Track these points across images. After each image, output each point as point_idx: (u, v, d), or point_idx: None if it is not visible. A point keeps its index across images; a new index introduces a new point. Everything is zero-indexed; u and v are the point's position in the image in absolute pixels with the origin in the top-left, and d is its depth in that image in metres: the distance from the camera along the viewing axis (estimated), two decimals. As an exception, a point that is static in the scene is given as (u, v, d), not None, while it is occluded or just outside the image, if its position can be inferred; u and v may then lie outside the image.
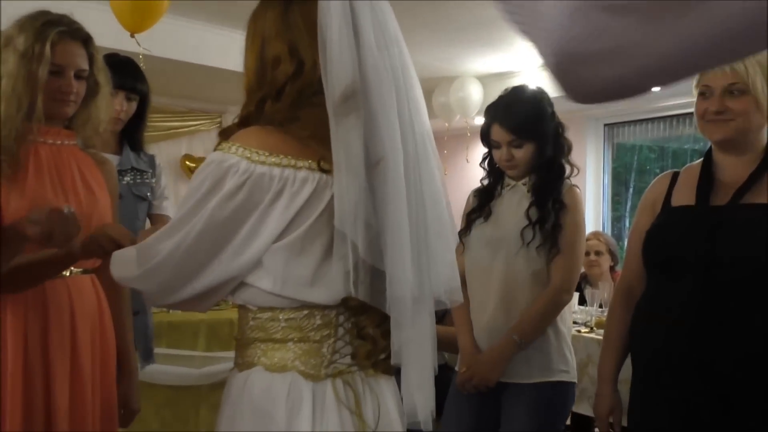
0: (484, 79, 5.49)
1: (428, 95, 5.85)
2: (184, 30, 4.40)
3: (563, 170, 2.01)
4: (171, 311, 3.06)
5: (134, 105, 2.24)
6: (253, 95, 1.13)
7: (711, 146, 1.66)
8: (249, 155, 1.05)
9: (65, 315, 1.49)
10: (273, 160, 1.05)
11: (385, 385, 1.17)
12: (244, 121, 1.12)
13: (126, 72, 2.21)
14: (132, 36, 3.25)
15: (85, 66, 1.55)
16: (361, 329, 1.12)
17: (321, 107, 1.04)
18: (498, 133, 2.01)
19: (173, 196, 2.66)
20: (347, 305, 1.11)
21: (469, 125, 5.58)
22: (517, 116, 1.99)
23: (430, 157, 1.13)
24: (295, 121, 1.08)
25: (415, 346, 1.09)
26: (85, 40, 1.56)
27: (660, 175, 1.78)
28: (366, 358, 1.13)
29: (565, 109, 2.07)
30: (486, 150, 2.11)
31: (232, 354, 1.20)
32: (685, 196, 1.63)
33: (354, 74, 1.02)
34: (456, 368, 2.10)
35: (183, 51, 4.44)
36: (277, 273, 1.07)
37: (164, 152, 5.51)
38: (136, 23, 3.23)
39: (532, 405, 1.93)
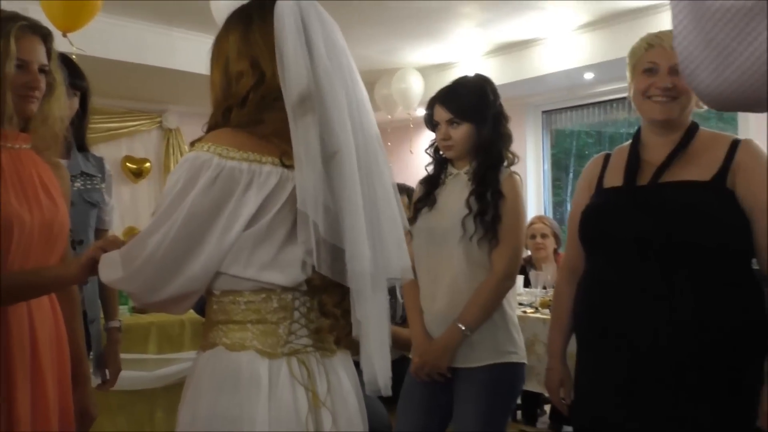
0: (425, 71, 5.56)
1: (370, 88, 5.88)
2: (121, 29, 4.32)
3: (502, 158, 2.07)
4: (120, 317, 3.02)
5: (76, 101, 2.16)
6: (220, 106, 1.24)
7: (639, 127, 1.73)
8: (220, 152, 1.15)
9: (24, 322, 1.45)
10: (241, 155, 1.16)
11: (340, 365, 1.27)
12: (211, 129, 1.23)
13: (63, 68, 2.15)
14: (64, 36, 3.17)
15: (46, 61, 1.51)
16: (323, 306, 1.23)
17: (281, 110, 1.16)
18: (438, 112, 2.08)
19: (116, 201, 2.60)
20: (309, 286, 1.21)
21: (412, 117, 5.65)
22: (457, 97, 2.06)
23: (378, 152, 1.25)
24: (259, 123, 1.19)
25: (374, 319, 1.19)
26: (45, 35, 1.52)
27: (594, 157, 1.85)
28: (329, 333, 1.24)
29: (504, 97, 2.14)
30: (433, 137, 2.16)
31: (184, 355, 1.29)
32: (615, 176, 1.70)
33: (308, 80, 1.14)
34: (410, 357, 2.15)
35: (119, 50, 4.35)
36: (243, 258, 1.16)
37: (103, 154, 5.36)
38: (68, 23, 3.16)
39: (483, 387, 1.99)
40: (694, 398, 1.50)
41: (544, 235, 3.79)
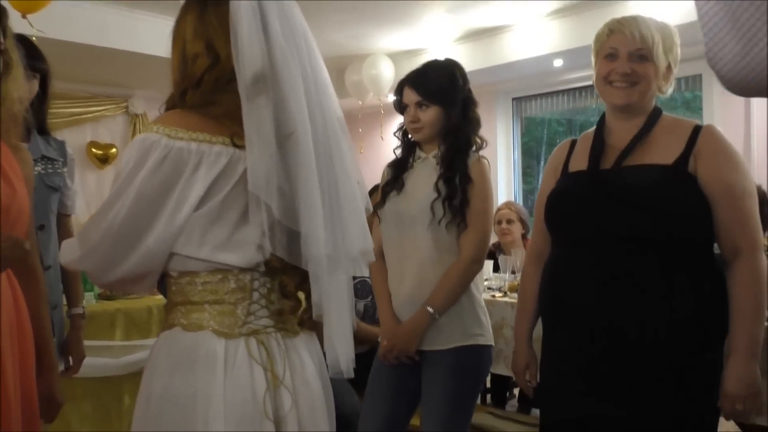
0: (396, 57, 5.54)
1: (341, 74, 5.85)
2: (82, 11, 4.22)
3: (470, 143, 2.07)
4: (86, 304, 2.98)
5: (36, 84, 2.11)
6: (178, 87, 1.25)
7: (604, 113, 1.75)
8: (168, 132, 1.16)
9: None
10: (190, 135, 1.16)
11: (303, 346, 1.27)
12: (168, 110, 1.24)
13: (22, 49, 2.10)
14: (24, 17, 3.09)
15: (2, 39, 1.47)
16: (284, 288, 1.24)
17: (235, 92, 1.16)
18: (407, 94, 2.08)
19: (80, 187, 2.55)
20: (268, 267, 1.22)
21: (383, 103, 5.63)
22: (426, 79, 2.07)
23: (339, 135, 1.25)
24: (212, 104, 1.19)
25: (335, 301, 1.20)
26: None
27: (560, 143, 1.87)
28: (291, 314, 1.25)
29: (474, 83, 2.15)
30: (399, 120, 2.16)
31: (151, 342, 1.28)
32: (580, 161, 1.72)
33: (263, 61, 1.14)
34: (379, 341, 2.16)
35: (81, 33, 4.25)
36: (196, 238, 1.17)
37: (68, 140, 5.26)
38: (27, 3, 3.08)
39: (450, 369, 2.00)
40: (656, 381, 1.53)
41: (510, 221, 3.82)
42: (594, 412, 1.59)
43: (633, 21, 1.63)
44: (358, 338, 2.66)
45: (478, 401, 3.56)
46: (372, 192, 3.38)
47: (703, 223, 1.56)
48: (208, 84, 1.20)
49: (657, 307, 1.52)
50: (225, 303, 1.19)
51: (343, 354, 1.21)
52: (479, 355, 2.05)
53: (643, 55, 1.61)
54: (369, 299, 2.81)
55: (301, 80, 1.17)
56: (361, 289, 2.72)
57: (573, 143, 1.81)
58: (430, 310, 1.99)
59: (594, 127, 1.76)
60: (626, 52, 1.62)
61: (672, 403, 1.52)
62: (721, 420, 1.63)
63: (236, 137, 1.17)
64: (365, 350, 2.83)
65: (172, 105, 1.24)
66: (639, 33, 1.60)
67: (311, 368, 1.27)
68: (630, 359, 1.54)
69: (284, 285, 1.24)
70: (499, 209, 3.95)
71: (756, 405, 1.54)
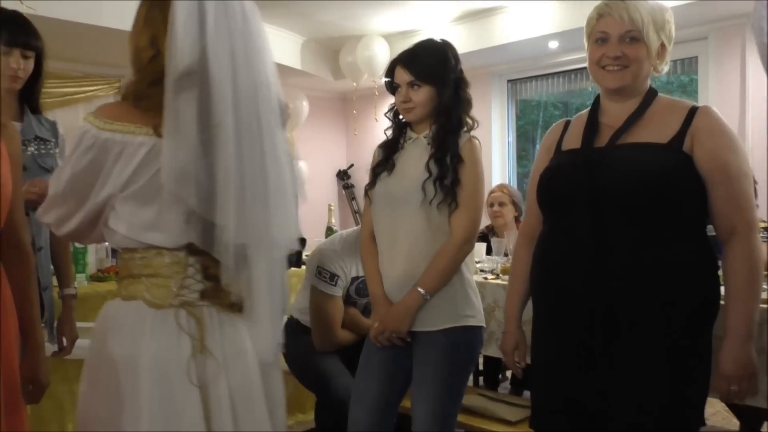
0: (390, 38, 5.50)
1: (335, 55, 5.82)
2: (75, -11, 4.16)
3: (462, 123, 2.06)
4: (78, 285, 2.97)
5: (31, 63, 2.08)
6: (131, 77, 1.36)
7: (599, 94, 1.74)
8: (98, 124, 1.28)
9: None
10: (116, 127, 1.28)
11: (242, 323, 1.35)
12: (122, 97, 1.35)
13: (16, 27, 2.05)
14: (15, -5, 3.05)
15: None
16: (206, 269, 1.32)
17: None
18: (399, 74, 2.06)
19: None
20: (192, 249, 1.31)
21: (377, 84, 5.60)
22: (418, 58, 2.05)
23: (273, 132, 1.32)
24: (145, 98, 1.29)
25: (256, 287, 1.29)
26: None
27: (555, 124, 1.87)
28: (215, 297, 1.33)
29: (469, 65, 2.13)
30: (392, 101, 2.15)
31: None
32: (573, 140, 1.72)
33: (193, 58, 1.22)
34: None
35: (75, 12, 4.19)
36: (125, 219, 1.31)
37: (60, 120, 5.22)
38: (18, -19, 3.04)
39: (441, 350, 2.00)
40: (647, 359, 1.53)
41: (501, 204, 3.81)
42: (585, 391, 1.60)
43: (621, 3, 1.62)
44: (359, 331, 2.72)
45: (471, 383, 3.58)
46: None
47: (696, 201, 1.56)
48: (145, 78, 1.30)
49: (647, 283, 1.52)
50: (160, 276, 1.30)
51: (265, 339, 1.33)
52: (470, 336, 2.05)
53: (633, 36, 1.60)
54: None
55: (230, 79, 1.25)
56: (364, 288, 2.73)
57: (567, 123, 1.81)
58: (422, 291, 1.99)
59: (589, 108, 1.75)
60: (616, 35, 1.61)
61: (662, 383, 1.53)
62: (710, 400, 1.65)
63: (160, 128, 1.26)
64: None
65: (123, 94, 1.34)
66: (628, 15, 1.59)
67: (248, 343, 1.33)
68: (621, 337, 1.54)
69: (206, 267, 1.32)
70: (491, 192, 3.95)
71: (752, 386, 1.55)
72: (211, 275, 1.31)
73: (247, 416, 1.31)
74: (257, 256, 1.28)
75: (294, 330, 2.79)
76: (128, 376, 1.24)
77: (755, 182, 2.90)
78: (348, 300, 2.72)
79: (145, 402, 1.22)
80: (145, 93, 1.28)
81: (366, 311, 2.74)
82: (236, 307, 1.34)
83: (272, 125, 1.32)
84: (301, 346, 2.75)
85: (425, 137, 2.07)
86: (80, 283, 2.97)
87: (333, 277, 2.61)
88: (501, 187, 3.98)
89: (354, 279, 2.68)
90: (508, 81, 5.81)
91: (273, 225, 1.30)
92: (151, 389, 1.23)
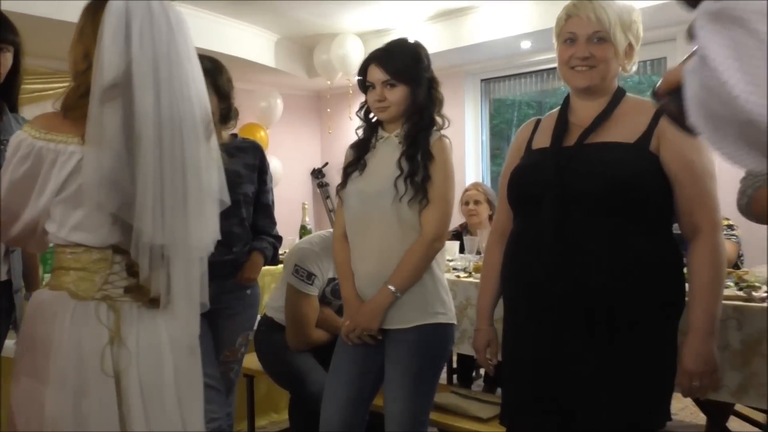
0: (364, 36, 5.50)
1: (309, 53, 5.80)
2: (43, -16, 4.09)
3: (433, 122, 2.07)
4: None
5: (10, 57, 2.03)
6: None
7: (569, 93, 1.76)
8: (33, 133, 1.38)
9: None
10: (50, 137, 1.37)
11: (161, 319, 1.46)
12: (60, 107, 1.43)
13: None
14: (-20, -11, 2.98)
15: None
16: (131, 267, 1.43)
17: None
18: (374, 72, 2.05)
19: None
20: (118, 248, 1.42)
21: (351, 83, 5.59)
22: (393, 57, 2.04)
23: (195, 139, 1.42)
24: (77, 108, 1.38)
25: (177, 284, 1.42)
26: None
27: (526, 122, 1.88)
28: (137, 292, 1.43)
29: (443, 64, 2.15)
30: (363, 99, 2.14)
31: None
32: (543, 139, 1.73)
33: (119, 71, 1.31)
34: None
35: (43, 6, 4.13)
36: (57, 220, 1.40)
37: (29, 117, 5.15)
38: (-16, -25, 2.97)
39: (412, 347, 2.01)
40: (618, 356, 1.55)
41: (477, 202, 3.83)
42: (552, 388, 1.61)
43: (589, 4, 1.64)
44: (333, 330, 2.72)
45: (444, 381, 3.60)
46: None
47: (662, 200, 1.58)
48: (78, 90, 1.39)
49: (614, 281, 1.54)
50: (87, 271, 1.40)
51: (182, 333, 1.46)
52: (442, 333, 2.06)
53: (601, 37, 1.62)
54: None
55: (152, 89, 1.34)
56: (339, 290, 2.74)
57: (538, 122, 1.83)
58: (392, 288, 2.00)
59: (559, 107, 1.77)
60: (584, 36, 1.63)
61: (629, 378, 1.55)
62: (677, 395, 1.67)
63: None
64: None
65: (60, 103, 1.42)
66: (595, 15, 1.62)
67: (164, 337, 1.44)
68: (588, 333, 1.56)
69: (130, 265, 1.42)
70: (466, 190, 3.96)
71: (713, 381, 1.58)
72: (135, 273, 1.42)
73: (156, 405, 1.41)
74: (175, 256, 1.41)
75: (268, 328, 2.78)
76: (49, 358, 1.35)
77: None
78: (323, 300, 2.72)
79: (65, 384, 1.34)
80: (76, 104, 1.38)
81: (341, 312, 2.75)
82: (157, 303, 1.44)
83: (195, 135, 1.41)
84: (275, 343, 2.75)
85: (396, 136, 2.08)
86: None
87: (310, 276, 2.61)
88: (476, 186, 4.00)
89: (331, 280, 2.69)
90: (482, 80, 5.84)
91: (191, 229, 1.42)
92: (69, 373, 1.34)
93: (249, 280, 2.40)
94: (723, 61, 0.60)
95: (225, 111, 2.40)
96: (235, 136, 2.52)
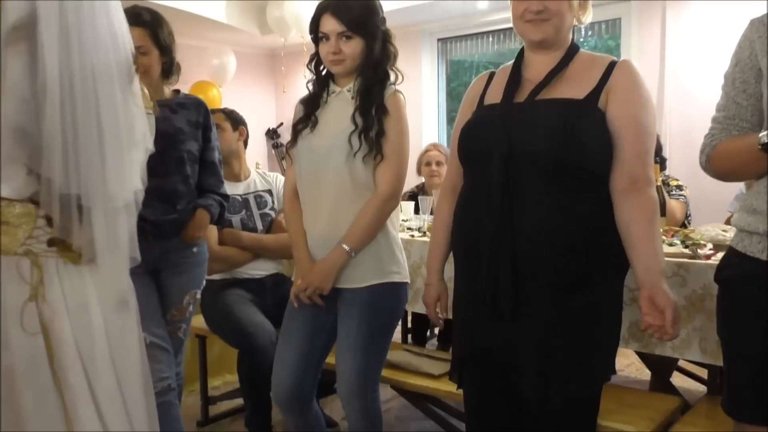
0: (319, -7, 5.37)
1: (262, 9, 5.64)
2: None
3: (387, 76, 2.03)
4: None
5: None
6: None
7: (523, 47, 1.74)
8: None
9: None
10: None
11: (88, 274, 1.40)
12: None
13: None
14: None
15: None
16: (49, 220, 1.37)
17: None
18: (328, 23, 1.97)
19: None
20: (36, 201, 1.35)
21: (306, 41, 5.45)
22: (350, 8, 1.96)
23: (110, 86, 1.36)
24: None
25: (99, 237, 1.37)
26: None
27: (478, 76, 1.85)
28: (63, 248, 1.38)
29: (398, 23, 2.09)
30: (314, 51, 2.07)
31: None
32: (495, 94, 1.71)
33: (24, 11, 1.25)
34: (292, 279, 2.13)
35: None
36: None
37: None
38: None
39: (365, 307, 2.00)
40: (564, 313, 1.57)
41: (438, 163, 3.82)
42: (495, 342, 1.63)
43: None
44: (240, 244, 2.82)
45: (399, 340, 3.62)
46: None
47: (605, 158, 1.58)
48: None
49: (553, 234, 1.54)
50: (10, 225, 1.35)
51: (110, 288, 1.41)
52: (395, 292, 2.06)
53: None
54: (243, 212, 2.93)
55: (57, 34, 1.27)
56: (230, 205, 2.81)
57: (491, 76, 1.80)
58: (346, 247, 1.97)
59: (512, 61, 1.75)
60: None
61: (569, 332, 1.56)
62: (625, 351, 1.70)
63: None
64: (275, 272, 2.94)
65: None
66: None
67: (92, 295, 1.40)
68: (527, 287, 1.56)
69: (49, 218, 1.37)
70: (426, 150, 3.94)
71: (677, 314, 1.54)
72: (54, 226, 1.37)
73: (89, 365, 1.37)
74: (94, 207, 1.35)
75: (212, 284, 2.77)
76: None
77: (659, 140, 3.03)
78: (221, 220, 2.76)
79: None
80: None
81: (245, 227, 2.92)
82: (83, 258, 1.40)
83: (110, 81, 1.35)
84: (219, 300, 2.76)
85: (349, 90, 2.03)
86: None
87: None
88: (436, 146, 3.98)
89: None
90: (438, 39, 5.78)
91: (109, 178, 1.36)
92: None
93: (193, 237, 2.34)
94: None
95: (167, 65, 2.32)
96: (177, 92, 2.44)
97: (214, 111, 2.94)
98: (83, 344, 1.38)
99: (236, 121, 3.06)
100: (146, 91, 1.57)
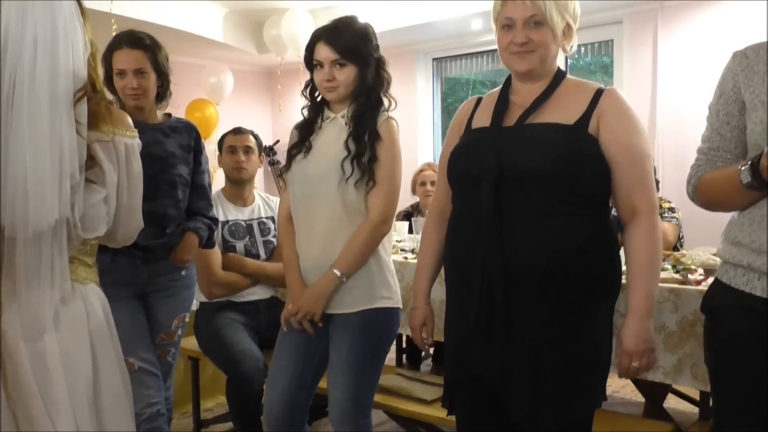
0: (315, 13, 5.40)
1: (259, 28, 5.67)
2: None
3: (380, 102, 2.04)
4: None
5: None
6: None
7: (510, 74, 1.76)
8: None
9: None
10: None
11: (14, 300, 1.37)
12: None
13: None
14: None
15: None
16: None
17: None
18: (322, 51, 2.00)
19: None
20: None
21: (302, 59, 5.50)
22: (343, 36, 1.99)
23: (39, 106, 1.32)
24: None
25: (19, 264, 1.36)
26: None
27: (466, 101, 1.86)
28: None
29: (394, 43, 2.11)
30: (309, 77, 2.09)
31: None
32: (483, 118, 1.72)
33: None
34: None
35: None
36: None
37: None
38: None
39: (356, 331, 2.00)
40: (555, 338, 1.57)
41: (433, 182, 3.82)
42: (486, 368, 1.62)
43: None
44: (244, 270, 2.82)
45: (394, 363, 3.61)
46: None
47: (598, 181, 1.59)
48: None
49: (545, 260, 1.54)
50: None
51: (30, 315, 1.36)
52: (387, 317, 2.05)
53: (537, 21, 1.61)
54: (247, 239, 2.93)
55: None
56: (237, 230, 2.86)
57: (479, 101, 1.81)
58: (338, 272, 1.98)
59: (500, 87, 1.77)
60: (521, 20, 1.62)
61: (560, 358, 1.56)
62: (614, 376, 1.70)
63: None
64: (269, 297, 2.93)
65: None
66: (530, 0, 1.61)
67: (13, 323, 1.36)
68: (519, 312, 1.56)
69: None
70: (421, 170, 3.96)
71: (651, 361, 1.61)
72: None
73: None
74: (13, 236, 1.33)
75: (203, 308, 2.77)
76: None
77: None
78: (226, 245, 2.83)
79: None
80: None
81: (248, 253, 2.91)
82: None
83: (40, 107, 1.32)
84: (211, 323, 2.76)
85: (343, 117, 2.04)
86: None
87: None
88: (431, 166, 3.99)
89: (224, 223, 2.83)
90: (434, 59, 5.81)
91: (30, 209, 1.32)
92: None
93: (182, 261, 2.34)
94: None
95: (162, 89, 2.35)
96: (169, 115, 2.45)
97: (242, 130, 3.01)
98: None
99: (260, 146, 3.09)
100: (128, 118, 1.53)
